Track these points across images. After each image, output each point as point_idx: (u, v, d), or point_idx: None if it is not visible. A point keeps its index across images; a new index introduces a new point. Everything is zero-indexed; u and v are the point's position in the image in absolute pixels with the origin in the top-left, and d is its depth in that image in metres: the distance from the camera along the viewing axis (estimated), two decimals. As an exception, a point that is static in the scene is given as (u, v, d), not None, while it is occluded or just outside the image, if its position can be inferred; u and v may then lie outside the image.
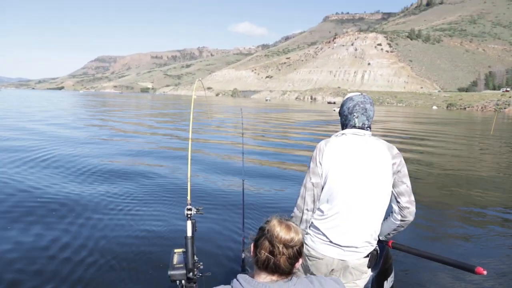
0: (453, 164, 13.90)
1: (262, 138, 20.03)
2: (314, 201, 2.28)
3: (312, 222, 2.33)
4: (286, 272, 1.37)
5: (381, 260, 2.54)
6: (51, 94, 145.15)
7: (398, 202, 2.27)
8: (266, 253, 1.35)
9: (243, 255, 1.49)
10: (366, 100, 2.34)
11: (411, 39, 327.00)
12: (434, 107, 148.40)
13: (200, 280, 2.55)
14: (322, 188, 2.25)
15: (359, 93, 2.40)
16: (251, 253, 1.44)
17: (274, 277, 1.37)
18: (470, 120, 54.25)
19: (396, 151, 2.27)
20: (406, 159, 2.19)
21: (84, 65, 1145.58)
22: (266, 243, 1.36)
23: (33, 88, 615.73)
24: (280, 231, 1.34)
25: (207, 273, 2.52)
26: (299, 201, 2.32)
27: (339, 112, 2.48)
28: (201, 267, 2.54)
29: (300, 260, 1.41)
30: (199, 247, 2.40)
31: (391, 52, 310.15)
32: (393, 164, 2.21)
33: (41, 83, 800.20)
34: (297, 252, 1.37)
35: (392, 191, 2.26)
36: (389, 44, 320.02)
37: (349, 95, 2.43)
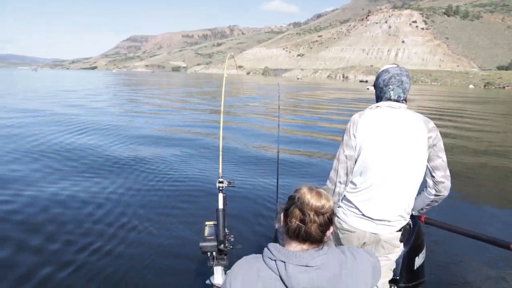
0: (491, 141, 13.75)
1: (295, 113, 20.33)
2: (347, 174, 2.25)
3: (344, 195, 2.31)
4: (317, 240, 1.36)
5: (413, 235, 2.52)
6: (86, 74, 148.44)
7: (433, 176, 2.24)
8: (296, 221, 1.35)
9: (276, 226, 1.36)
10: (403, 72, 2.28)
11: (448, 16, 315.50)
12: (471, 86, 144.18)
13: (231, 252, 2.55)
14: (356, 161, 2.22)
15: (395, 65, 2.35)
16: (282, 223, 1.43)
17: (305, 246, 1.37)
18: (510, 99, 52.52)
19: (432, 124, 2.22)
20: (441, 135, 2.14)
21: (116, 44, 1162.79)
22: (297, 211, 1.35)
23: (67, 68, 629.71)
24: (311, 198, 1.34)
25: (238, 246, 2.50)
26: (332, 174, 2.30)
27: (373, 85, 2.44)
28: (232, 239, 2.54)
29: (331, 228, 1.40)
30: (231, 220, 2.85)
31: (427, 29, 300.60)
32: (429, 137, 2.17)
33: (74, 63, 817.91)
34: (328, 219, 1.37)
35: (427, 165, 2.22)
36: (424, 21, 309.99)
37: (385, 67, 2.38)
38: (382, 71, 2.36)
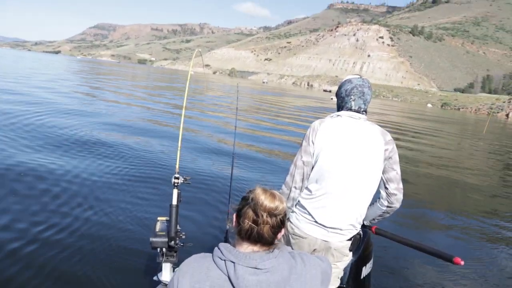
0: (444, 159, 14.32)
1: (254, 121, 20.09)
2: (303, 180, 2.25)
3: (299, 201, 2.31)
4: (268, 242, 1.35)
5: (362, 245, 2.52)
6: (49, 58, 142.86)
7: (386, 188, 2.26)
8: (249, 222, 1.33)
9: (227, 226, 1.33)
10: (365, 83, 2.30)
11: (413, 35, 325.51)
12: (429, 105, 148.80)
13: (181, 249, 2.53)
14: (313, 168, 2.22)
15: (358, 76, 2.36)
16: (234, 223, 1.41)
17: (256, 247, 1.35)
18: (464, 120, 54.82)
19: (389, 137, 2.24)
20: (398, 148, 2.19)
21: (83, 31, 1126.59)
22: (250, 212, 1.33)
23: (29, 50, 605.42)
24: (264, 199, 1.33)
25: (189, 244, 2.50)
26: (288, 179, 2.29)
27: (336, 94, 2.44)
28: (184, 237, 2.53)
29: (283, 231, 1.39)
30: (184, 217, 2.80)
31: (392, 46, 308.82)
32: (386, 150, 2.18)
33: (37, 45, 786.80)
34: (281, 221, 1.36)
35: (381, 177, 2.24)
36: (391, 37, 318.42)
37: (348, 77, 2.38)
38: (345, 81, 2.36)
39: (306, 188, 2.27)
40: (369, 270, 2.72)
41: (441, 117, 56.96)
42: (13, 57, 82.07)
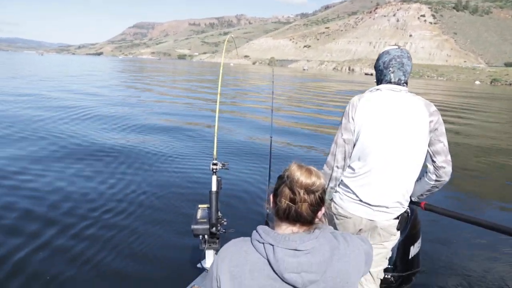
0: (493, 135, 14.24)
1: (296, 104, 20.63)
2: (344, 158, 2.19)
3: (342, 180, 2.26)
4: (308, 221, 1.31)
5: (409, 224, 2.47)
6: (93, 59, 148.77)
7: (433, 161, 2.17)
8: (286, 201, 1.29)
9: (267, 210, 1.36)
10: (404, 54, 2.20)
11: (458, 11, 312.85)
12: (477, 82, 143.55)
13: (223, 236, 2.51)
14: (354, 145, 2.17)
15: (397, 47, 2.26)
16: (271, 204, 1.37)
17: (296, 228, 1.32)
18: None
19: (434, 108, 2.14)
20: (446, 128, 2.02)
21: (123, 31, 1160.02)
22: (286, 190, 1.29)
23: (73, 53, 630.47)
24: (300, 175, 1.28)
25: (231, 230, 2.46)
26: (329, 158, 2.24)
27: (374, 66, 2.36)
28: (225, 223, 2.52)
29: (323, 209, 1.34)
30: (225, 204, 2.83)
31: (435, 24, 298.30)
32: (430, 121, 2.09)
33: (80, 48, 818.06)
34: (319, 198, 1.31)
35: (428, 150, 2.16)
36: (433, 15, 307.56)
37: (386, 48, 2.29)
38: (383, 52, 2.28)
39: (349, 166, 2.21)
40: (417, 250, 2.64)
41: (489, 94, 55.00)
42: (61, 62, 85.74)
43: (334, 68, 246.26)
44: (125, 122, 11.16)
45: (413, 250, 2.61)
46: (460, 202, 6.06)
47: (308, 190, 1.28)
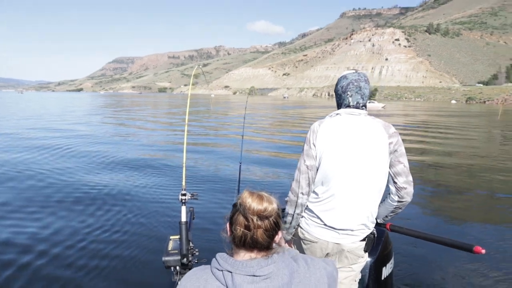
0: (474, 151, 14.58)
1: (272, 133, 20.69)
2: (309, 184, 2.20)
3: (307, 205, 2.26)
4: (264, 246, 1.32)
5: (380, 245, 2.49)
6: (74, 96, 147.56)
7: (395, 182, 2.19)
8: (241, 229, 1.30)
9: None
10: (361, 77, 2.23)
11: (430, 33, 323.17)
12: (453, 101, 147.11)
13: (196, 266, 2.38)
14: (317, 170, 2.17)
15: (354, 71, 2.30)
16: (228, 233, 1.38)
17: (253, 254, 1.32)
18: (490, 113, 54.32)
19: (393, 130, 2.17)
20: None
21: (102, 66, 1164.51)
22: (241, 218, 1.31)
23: (53, 91, 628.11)
24: (252, 201, 1.30)
25: (203, 260, 2.37)
26: (294, 185, 2.23)
27: (334, 91, 2.38)
28: (197, 253, 2.51)
29: (280, 234, 1.36)
30: (197, 234, 2.82)
31: (409, 47, 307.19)
32: (390, 143, 2.12)
33: (60, 85, 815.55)
34: (274, 223, 1.32)
35: (389, 172, 2.18)
36: (407, 39, 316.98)
37: (343, 73, 2.33)
38: (341, 77, 2.32)
39: (313, 191, 2.23)
40: (390, 270, 2.66)
41: (466, 112, 56.57)
42: (42, 100, 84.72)
43: (314, 95, 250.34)
44: (100, 159, 10.94)
45: (386, 271, 2.61)
46: (426, 221, 6.22)
47: (261, 216, 1.29)
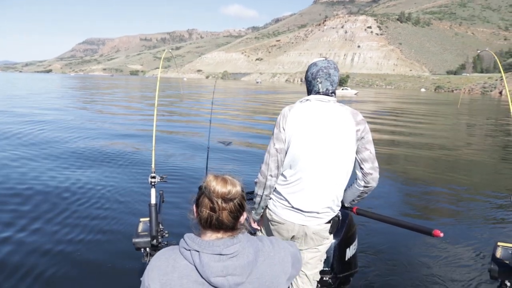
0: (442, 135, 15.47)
1: (253, 114, 20.75)
2: (278, 167, 2.25)
3: (275, 187, 2.32)
4: (230, 227, 1.36)
5: (344, 227, 2.60)
6: (43, 77, 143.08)
7: (361, 168, 2.26)
8: (207, 211, 1.34)
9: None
10: (331, 65, 2.28)
11: (401, 22, 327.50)
12: (423, 90, 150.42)
13: (165, 248, 2.66)
14: (286, 154, 2.23)
15: (324, 58, 2.35)
16: (194, 214, 1.42)
17: (220, 234, 1.37)
18: (457, 101, 56.17)
19: (360, 117, 2.23)
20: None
21: (72, 47, 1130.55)
22: (206, 200, 1.34)
23: (20, 71, 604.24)
24: (216, 185, 1.34)
25: (173, 242, 2.36)
26: (263, 167, 2.28)
27: (304, 78, 2.43)
28: (167, 235, 2.55)
29: (245, 214, 1.40)
30: (167, 217, 2.88)
31: (381, 35, 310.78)
32: (357, 130, 2.18)
33: (28, 65, 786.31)
34: (239, 205, 1.36)
35: (356, 158, 2.25)
36: (379, 27, 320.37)
37: (313, 60, 2.38)
38: (311, 64, 2.35)
39: (281, 174, 2.28)
40: (353, 251, 2.76)
41: (435, 100, 58.32)
42: (13, 81, 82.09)
43: (286, 80, 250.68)
44: (67, 146, 10.43)
45: (349, 252, 2.71)
46: (392, 206, 6.45)
47: (225, 198, 1.33)
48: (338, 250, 2.64)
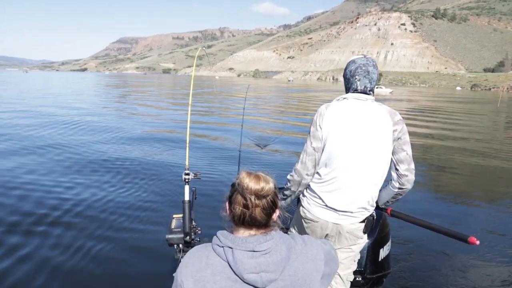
0: (477, 138, 15.03)
1: (282, 114, 21.32)
2: (314, 166, 2.24)
3: (309, 185, 2.31)
4: (263, 224, 1.37)
5: (378, 227, 2.60)
6: (81, 75, 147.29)
7: (397, 169, 2.24)
8: (240, 207, 1.35)
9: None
10: (369, 62, 2.26)
11: (436, 19, 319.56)
12: (458, 88, 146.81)
13: (198, 244, 2.47)
14: (322, 152, 2.23)
15: (362, 56, 2.33)
16: (227, 211, 1.43)
17: (252, 231, 1.37)
18: (495, 100, 54.79)
19: (398, 117, 2.20)
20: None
21: (106, 46, 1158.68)
22: (239, 197, 1.35)
23: (57, 70, 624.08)
24: (249, 182, 1.34)
25: (205, 238, 2.45)
26: (299, 166, 2.28)
27: (343, 76, 2.43)
28: (200, 232, 2.58)
29: (277, 211, 1.40)
30: (200, 213, 2.98)
31: (415, 32, 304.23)
32: (394, 130, 2.15)
33: (64, 64, 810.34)
34: (271, 202, 1.37)
35: (392, 158, 2.23)
36: (413, 23, 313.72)
37: (352, 58, 2.37)
38: (349, 62, 2.35)
39: (316, 172, 2.27)
40: (387, 252, 2.76)
41: (471, 98, 57.09)
42: (50, 79, 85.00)
43: (318, 78, 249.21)
44: (113, 135, 11.78)
45: (383, 252, 2.70)
46: (427, 209, 6.38)
47: (258, 195, 1.34)
48: (371, 251, 2.62)
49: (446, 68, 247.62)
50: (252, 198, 1.33)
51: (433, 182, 8.25)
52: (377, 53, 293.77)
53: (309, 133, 2.26)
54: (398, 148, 2.19)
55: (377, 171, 2.17)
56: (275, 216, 1.39)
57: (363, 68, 2.24)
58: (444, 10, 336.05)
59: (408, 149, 2.21)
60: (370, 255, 2.62)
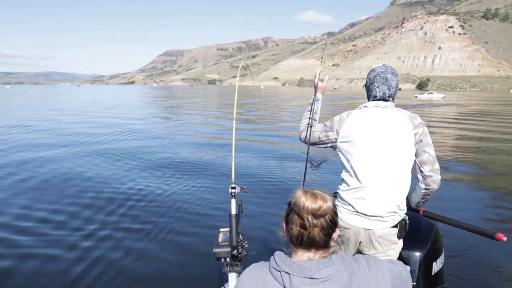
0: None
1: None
2: (319, 132, 2.45)
3: (338, 193, 2.36)
4: (322, 245, 1.30)
5: (430, 240, 2.54)
6: (130, 88, 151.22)
7: (421, 171, 2.28)
8: (297, 228, 1.28)
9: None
10: (388, 70, 2.33)
11: (487, 19, 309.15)
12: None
13: (245, 258, 2.52)
14: (347, 160, 2.30)
15: (382, 64, 2.41)
16: (284, 232, 1.37)
17: (311, 253, 1.31)
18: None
19: (418, 120, 2.25)
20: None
21: (153, 59, 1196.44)
22: (295, 217, 1.29)
23: (107, 84, 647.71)
24: (305, 200, 1.28)
25: (252, 252, 2.45)
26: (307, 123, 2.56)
27: (364, 84, 2.50)
28: (246, 245, 2.53)
29: (337, 231, 1.34)
30: (246, 227, 2.93)
31: (464, 34, 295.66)
32: (415, 134, 2.20)
33: (113, 78, 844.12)
34: (330, 221, 1.30)
35: (415, 161, 2.26)
36: (461, 26, 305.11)
37: (372, 67, 2.45)
38: (369, 71, 2.43)
39: (343, 180, 2.33)
40: (440, 266, 2.69)
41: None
42: (101, 92, 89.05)
43: (364, 85, 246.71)
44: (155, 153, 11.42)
45: (436, 266, 2.63)
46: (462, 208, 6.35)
47: (316, 214, 1.28)
48: (424, 264, 2.56)
49: (498, 70, 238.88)
50: (310, 217, 1.28)
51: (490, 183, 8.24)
52: (424, 57, 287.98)
53: (327, 121, 2.43)
54: (420, 150, 2.24)
55: (402, 175, 2.20)
56: (335, 235, 1.34)
57: (382, 75, 2.31)
58: (496, 10, 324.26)
59: (431, 150, 2.25)
60: (422, 268, 2.55)
